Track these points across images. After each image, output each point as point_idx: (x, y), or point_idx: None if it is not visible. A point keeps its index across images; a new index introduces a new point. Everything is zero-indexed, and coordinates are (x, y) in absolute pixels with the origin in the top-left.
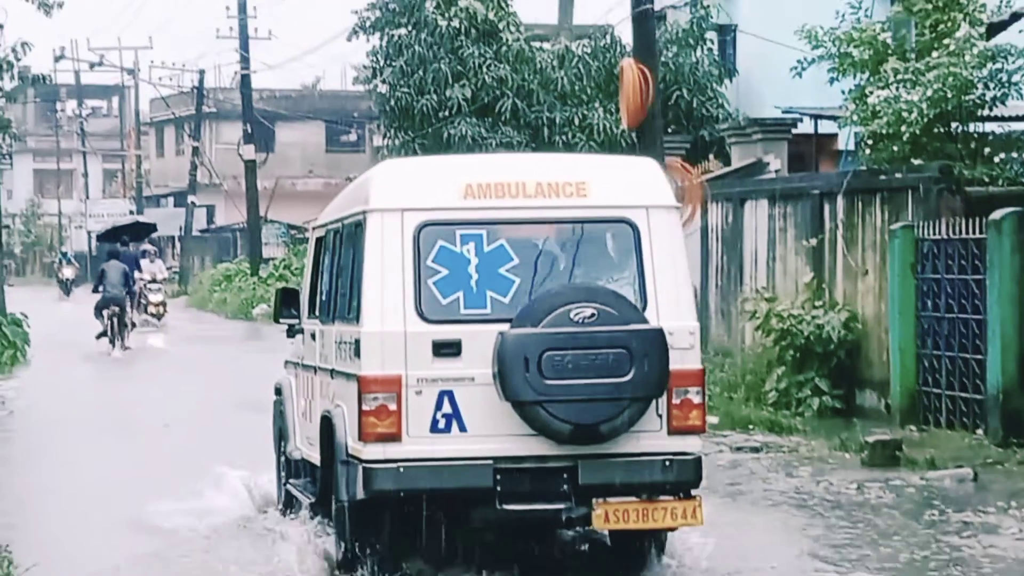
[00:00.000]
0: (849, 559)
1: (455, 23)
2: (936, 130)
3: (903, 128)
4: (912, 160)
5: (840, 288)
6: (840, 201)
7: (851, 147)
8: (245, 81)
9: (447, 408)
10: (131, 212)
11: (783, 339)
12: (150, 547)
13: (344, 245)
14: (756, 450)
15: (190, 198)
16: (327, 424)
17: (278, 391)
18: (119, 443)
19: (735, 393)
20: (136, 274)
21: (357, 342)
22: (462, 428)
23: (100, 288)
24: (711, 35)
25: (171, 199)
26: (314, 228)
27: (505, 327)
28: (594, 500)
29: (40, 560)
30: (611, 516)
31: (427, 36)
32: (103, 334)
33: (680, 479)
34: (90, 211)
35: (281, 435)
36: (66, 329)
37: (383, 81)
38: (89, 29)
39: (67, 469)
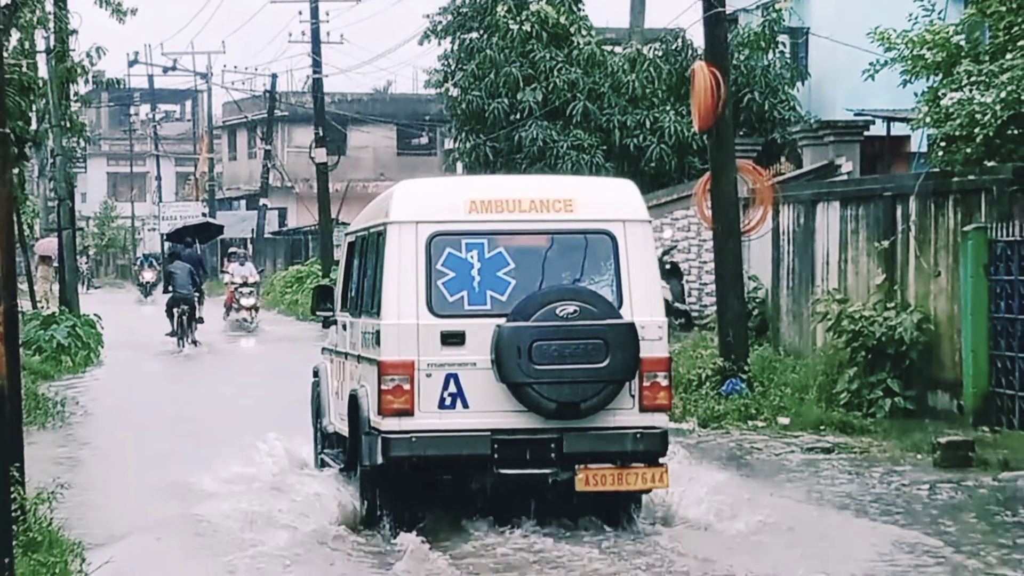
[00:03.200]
0: (919, 557)
1: (526, 27)
2: (1010, 132)
3: (976, 130)
4: (985, 162)
5: (912, 289)
6: (912, 203)
7: (924, 149)
8: (317, 85)
9: (452, 388)
10: (203, 215)
11: (855, 340)
12: (201, 504)
13: (369, 251)
14: (827, 451)
15: (262, 201)
16: (354, 401)
17: (316, 374)
18: (181, 429)
19: (806, 394)
20: (226, 277)
21: (378, 332)
22: (465, 405)
23: (169, 288)
24: (783, 38)
25: (243, 202)
26: (346, 235)
27: (502, 321)
28: (576, 466)
29: (117, 513)
30: (591, 479)
31: (498, 40)
32: (172, 333)
33: (649, 449)
34: (163, 214)
35: (318, 412)
36: (144, 331)
37: (455, 85)
38: (163, 34)
39: (132, 454)
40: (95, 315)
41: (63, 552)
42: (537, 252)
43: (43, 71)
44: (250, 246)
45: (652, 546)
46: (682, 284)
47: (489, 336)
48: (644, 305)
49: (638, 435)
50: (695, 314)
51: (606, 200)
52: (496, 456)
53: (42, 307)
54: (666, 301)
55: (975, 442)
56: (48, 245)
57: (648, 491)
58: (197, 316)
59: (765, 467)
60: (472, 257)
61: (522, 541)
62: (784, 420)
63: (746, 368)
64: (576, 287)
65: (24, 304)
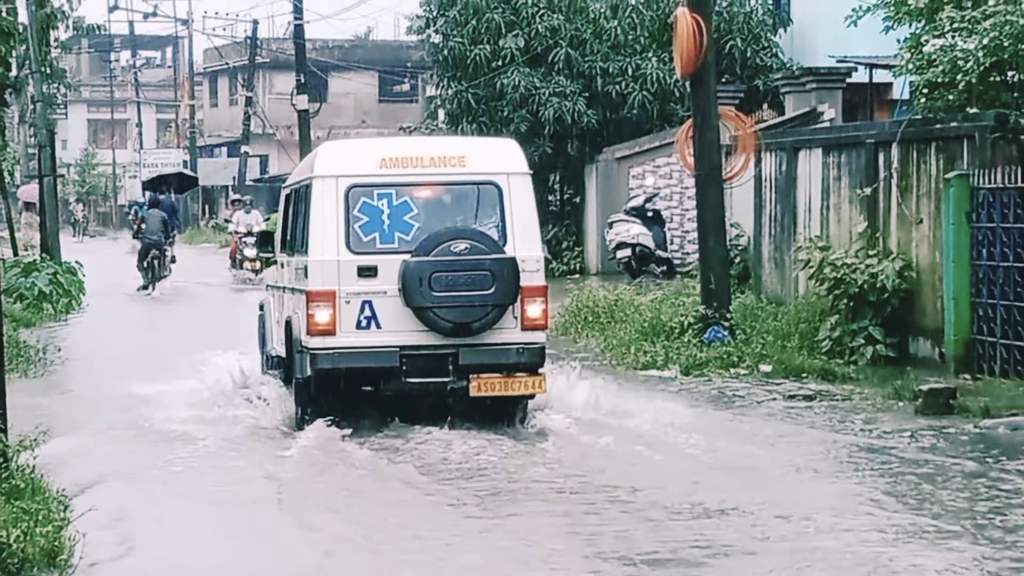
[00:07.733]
0: (898, 501)
1: None
2: (992, 79)
3: (958, 77)
4: (967, 109)
5: (894, 237)
6: (895, 150)
7: (906, 96)
8: (298, 31)
9: (367, 312)
10: (184, 162)
11: (837, 288)
12: (159, 412)
13: (300, 201)
14: (809, 398)
15: (243, 148)
16: (288, 326)
17: (261, 307)
18: (154, 365)
19: (788, 342)
20: (230, 226)
21: (306, 267)
22: (378, 326)
23: (140, 235)
24: None
25: (224, 149)
26: (283, 188)
27: (407, 257)
28: (470, 376)
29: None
30: (482, 387)
31: None
32: (143, 287)
33: (530, 361)
34: (144, 161)
35: (263, 339)
36: (131, 279)
37: (436, 31)
38: None
39: (108, 385)
40: (76, 262)
41: (46, 499)
42: (436, 200)
43: (23, 16)
44: (232, 193)
45: (542, 442)
46: (664, 231)
47: (397, 269)
48: (524, 243)
49: (520, 350)
50: (677, 261)
51: (493, 156)
52: (404, 368)
53: (26, 255)
54: (648, 249)
55: (956, 389)
56: (32, 192)
57: (532, 396)
58: (167, 263)
59: (748, 409)
60: (383, 204)
61: (422, 435)
62: (766, 367)
63: (728, 316)
64: (468, 228)
65: (5, 251)
